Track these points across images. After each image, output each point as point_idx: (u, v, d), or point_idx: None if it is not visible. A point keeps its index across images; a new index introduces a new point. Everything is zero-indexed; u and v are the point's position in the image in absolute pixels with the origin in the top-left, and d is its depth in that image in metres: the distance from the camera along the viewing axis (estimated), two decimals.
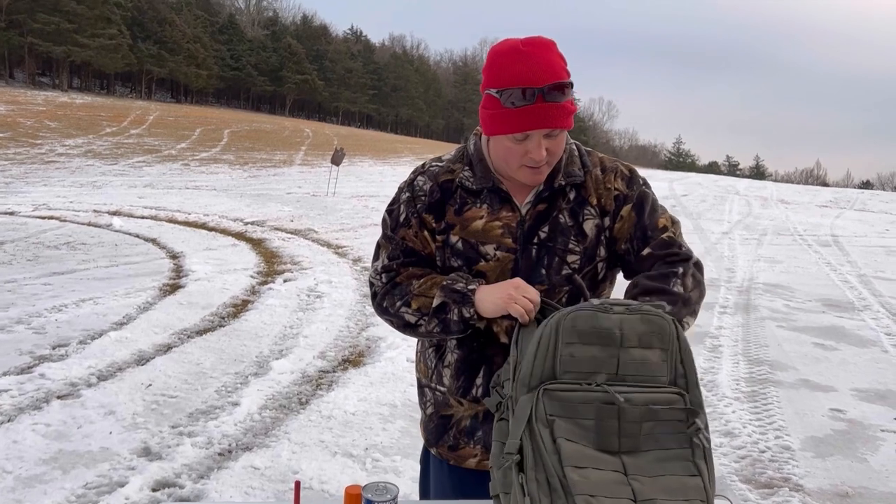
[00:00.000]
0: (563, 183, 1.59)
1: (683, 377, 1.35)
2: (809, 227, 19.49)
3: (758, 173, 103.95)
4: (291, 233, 12.76)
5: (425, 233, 1.63)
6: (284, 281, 8.24)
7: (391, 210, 1.68)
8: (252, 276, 8.49)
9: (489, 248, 1.58)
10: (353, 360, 5.44)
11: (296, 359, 5.34)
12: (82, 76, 67.97)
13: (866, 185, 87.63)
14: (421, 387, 1.75)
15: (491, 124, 1.52)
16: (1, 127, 35.87)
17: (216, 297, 7.25)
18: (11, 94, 50.12)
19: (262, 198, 19.16)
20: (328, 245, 11.45)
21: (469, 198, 1.61)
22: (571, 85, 1.49)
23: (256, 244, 11.26)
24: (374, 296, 1.68)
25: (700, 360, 5.83)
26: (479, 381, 1.62)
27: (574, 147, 1.65)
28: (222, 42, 75.29)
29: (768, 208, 25.94)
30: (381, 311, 1.67)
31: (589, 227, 1.59)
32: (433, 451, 1.73)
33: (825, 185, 77.94)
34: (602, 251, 1.61)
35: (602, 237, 1.61)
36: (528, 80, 1.44)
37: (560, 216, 1.58)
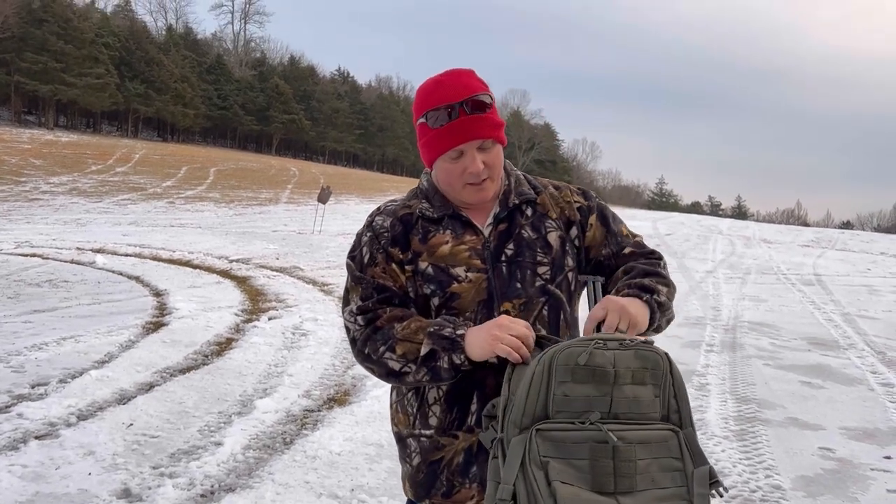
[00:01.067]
0: (517, 201, 1.65)
1: (677, 412, 1.34)
2: (792, 267, 19.66)
3: (740, 213, 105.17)
4: (277, 270, 12.70)
5: (393, 265, 1.62)
6: (269, 319, 8.17)
7: (354, 255, 1.67)
8: (237, 314, 8.41)
9: (460, 271, 1.59)
10: (339, 398, 5.37)
11: (280, 398, 5.26)
12: (69, 114, 68.02)
13: (846, 225, 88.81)
14: (402, 439, 1.67)
15: (427, 151, 1.60)
16: None
17: (200, 335, 7.16)
18: None
19: (248, 235, 19.11)
20: (314, 283, 11.39)
21: (431, 226, 1.64)
22: (490, 101, 1.58)
23: (241, 282, 11.18)
24: (353, 341, 1.62)
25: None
26: (473, 407, 1.57)
27: (520, 174, 1.74)
28: (210, 82, 75.75)
29: (751, 247, 26.19)
30: (363, 357, 1.60)
31: (553, 238, 1.65)
32: None
33: (806, 225, 78.98)
34: (569, 261, 1.65)
35: (566, 247, 1.66)
36: (447, 98, 1.54)
37: (523, 231, 1.63)
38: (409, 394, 1.65)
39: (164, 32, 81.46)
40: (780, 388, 6.41)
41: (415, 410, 1.63)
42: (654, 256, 1.69)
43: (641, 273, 1.60)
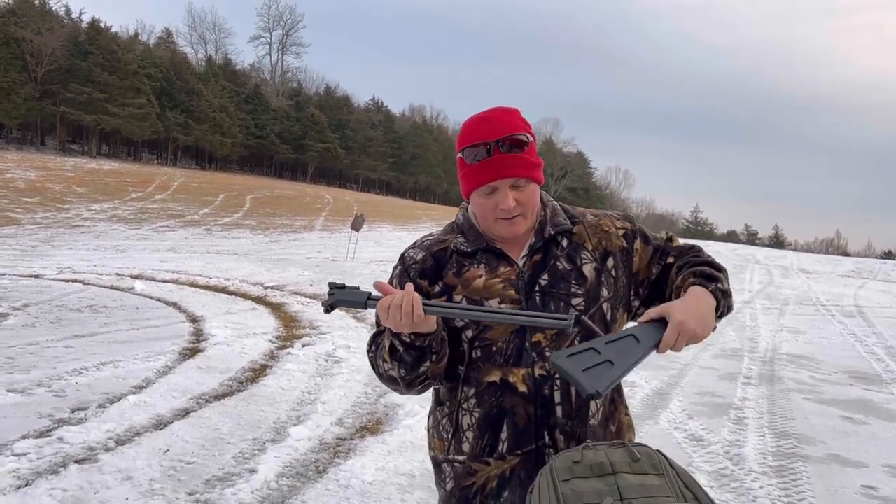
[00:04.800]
0: (553, 232, 1.67)
1: (695, 500, 1.32)
2: (832, 298, 19.25)
3: (777, 242, 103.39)
4: (311, 297, 12.81)
5: None
6: (303, 346, 8.24)
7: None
8: (271, 341, 8.50)
9: (494, 303, 1.61)
10: (371, 427, 5.38)
11: (314, 425, 5.29)
12: (111, 143, 69.85)
13: (889, 255, 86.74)
14: (437, 464, 1.72)
15: (464, 184, 1.64)
16: (30, 192, 36.80)
17: (235, 361, 7.25)
18: (41, 161, 51.57)
19: (283, 262, 19.33)
20: (347, 310, 11.47)
21: (465, 260, 1.67)
22: (528, 140, 1.60)
23: (276, 308, 11.30)
24: (372, 366, 1.72)
25: (724, 433, 5.70)
26: (503, 435, 1.60)
27: (557, 204, 1.76)
28: (247, 111, 77.30)
29: (789, 278, 25.71)
30: (379, 377, 1.70)
31: (588, 269, 1.65)
32: None
33: (846, 254, 77.20)
34: (605, 292, 1.65)
35: (601, 278, 1.66)
36: (484, 136, 1.58)
37: (558, 263, 1.64)
38: (444, 420, 1.70)
39: (203, 63, 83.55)
40: (821, 423, 6.26)
41: (449, 436, 1.67)
42: (695, 249, 1.72)
43: (692, 264, 1.62)
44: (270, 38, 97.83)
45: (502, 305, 1.60)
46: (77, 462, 4.28)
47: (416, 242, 1.77)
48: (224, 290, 13.34)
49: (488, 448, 1.61)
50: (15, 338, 7.96)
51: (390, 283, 1.71)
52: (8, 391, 5.70)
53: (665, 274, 1.69)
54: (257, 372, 6.91)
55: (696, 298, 1.49)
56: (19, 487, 3.87)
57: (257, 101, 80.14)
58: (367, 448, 4.87)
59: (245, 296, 12.74)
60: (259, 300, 12.23)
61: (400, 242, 29.85)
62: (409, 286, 1.50)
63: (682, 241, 1.78)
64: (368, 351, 1.74)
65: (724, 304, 1.55)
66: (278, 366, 7.18)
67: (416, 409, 5.68)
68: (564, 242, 1.67)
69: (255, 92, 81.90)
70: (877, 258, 66.07)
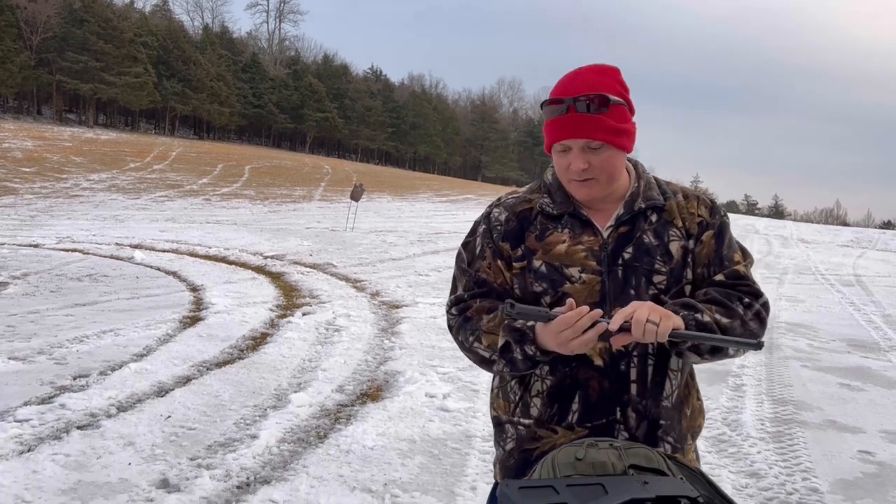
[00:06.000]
0: (644, 206, 1.60)
1: (710, 486, 1.31)
2: (831, 267, 19.27)
3: (777, 212, 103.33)
4: (310, 267, 12.82)
5: (499, 262, 1.63)
6: (303, 314, 8.26)
7: (467, 243, 1.70)
8: (271, 310, 8.51)
9: (574, 271, 1.56)
10: (372, 394, 5.41)
11: (314, 392, 5.32)
12: (108, 113, 69.38)
13: (888, 224, 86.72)
14: (500, 424, 1.69)
15: (545, 140, 1.59)
16: (28, 162, 36.61)
17: (236, 329, 7.27)
18: (38, 130, 51.24)
19: (282, 232, 19.31)
20: (346, 279, 11.48)
21: (549, 223, 1.61)
22: (614, 102, 1.50)
23: (276, 278, 11.31)
24: (449, 328, 1.69)
25: (723, 399, 5.73)
26: (574, 406, 1.57)
27: (652, 177, 1.68)
28: (245, 80, 76.65)
29: (788, 247, 25.73)
30: (459, 345, 1.66)
31: (675, 247, 1.58)
32: None
33: (845, 224, 77.25)
34: (689, 273, 1.59)
35: (688, 259, 1.59)
36: (563, 92, 1.51)
37: (644, 237, 1.58)
38: (513, 382, 1.66)
39: (200, 31, 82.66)
40: (818, 390, 6.30)
41: (517, 399, 1.64)
42: (746, 290, 1.57)
43: (709, 300, 1.52)
44: (267, 6, 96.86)
45: (583, 275, 1.55)
46: (79, 428, 4.31)
47: (500, 199, 1.71)
48: (224, 260, 13.34)
49: (557, 417, 1.58)
50: (15, 306, 7.97)
51: (472, 240, 1.68)
52: (9, 359, 5.72)
53: (701, 287, 1.59)
54: (258, 340, 6.93)
55: (665, 309, 1.43)
56: (22, 453, 3.90)
57: (255, 69, 79.45)
58: (367, 414, 4.90)
59: (245, 265, 12.74)
60: (259, 270, 12.23)
61: (399, 213, 29.81)
62: (596, 312, 1.39)
63: (754, 276, 1.65)
64: (450, 313, 1.67)
65: (694, 337, 1.41)
66: (279, 334, 7.20)
67: (415, 377, 5.70)
68: (654, 217, 1.60)
69: (252, 61, 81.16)
70: (876, 228, 66.06)
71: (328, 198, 37.03)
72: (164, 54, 67.90)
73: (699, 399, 1.73)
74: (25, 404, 4.67)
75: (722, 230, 1.63)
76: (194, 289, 9.80)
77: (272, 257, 13.94)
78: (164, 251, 14.20)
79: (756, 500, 3.89)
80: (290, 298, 9.44)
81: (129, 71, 62.01)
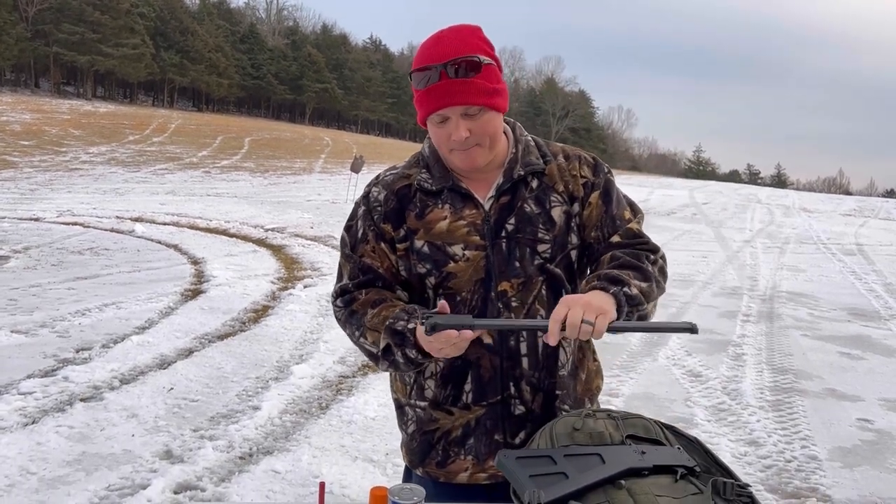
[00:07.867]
0: (523, 173, 1.54)
1: (707, 455, 1.31)
2: (833, 236, 19.25)
3: (779, 182, 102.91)
4: (311, 239, 12.81)
5: (382, 245, 1.56)
6: (304, 287, 8.27)
7: (349, 227, 1.62)
8: (272, 282, 8.53)
9: (457, 249, 1.51)
10: (373, 365, 5.42)
11: (316, 364, 5.35)
12: (106, 85, 68.85)
13: (890, 193, 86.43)
14: (400, 406, 1.67)
15: (418, 112, 1.51)
16: (26, 135, 36.44)
17: (237, 302, 7.29)
18: (37, 103, 50.91)
19: (283, 205, 19.27)
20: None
21: (429, 199, 1.55)
22: (484, 63, 1.43)
23: (277, 250, 11.31)
24: (337, 320, 1.63)
25: (723, 369, 5.76)
26: (467, 387, 1.54)
27: (531, 139, 1.62)
28: (243, 51, 75.92)
29: (790, 217, 25.68)
30: (348, 337, 1.62)
31: (557, 214, 1.54)
32: (418, 471, 1.64)
33: (848, 193, 77.06)
34: (574, 238, 1.56)
35: (572, 224, 1.55)
36: (433, 58, 1.43)
37: (525, 205, 1.53)
38: None
39: (197, 2, 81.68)
40: (818, 358, 6.32)
41: (412, 381, 1.61)
42: (645, 248, 1.55)
43: (622, 265, 1.47)
44: None
45: (466, 252, 1.50)
46: (83, 400, 4.34)
47: (378, 177, 1.63)
48: (224, 233, 13.33)
49: (451, 398, 1.55)
50: (17, 280, 7.99)
51: (353, 224, 1.61)
52: (12, 332, 5.75)
53: (599, 250, 1.56)
54: (259, 312, 6.95)
55: (593, 293, 1.37)
56: (26, 425, 3.93)
57: (253, 40, 78.64)
58: (368, 385, 4.93)
59: (246, 238, 12.74)
60: (260, 242, 12.23)
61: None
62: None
63: (644, 230, 1.61)
64: (335, 305, 1.61)
65: (627, 310, 1.39)
66: (280, 306, 7.22)
67: None
68: (534, 183, 1.55)
69: (250, 31, 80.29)
70: (879, 197, 65.87)
71: (328, 170, 36.90)
72: (161, 25, 67.16)
73: (596, 360, 1.70)
74: (29, 377, 4.70)
75: (608, 188, 1.59)
76: (195, 262, 9.81)
77: (273, 230, 13.93)
78: (164, 224, 14.19)
79: (755, 468, 3.93)
80: (292, 271, 9.45)
81: (126, 42, 61.38)
